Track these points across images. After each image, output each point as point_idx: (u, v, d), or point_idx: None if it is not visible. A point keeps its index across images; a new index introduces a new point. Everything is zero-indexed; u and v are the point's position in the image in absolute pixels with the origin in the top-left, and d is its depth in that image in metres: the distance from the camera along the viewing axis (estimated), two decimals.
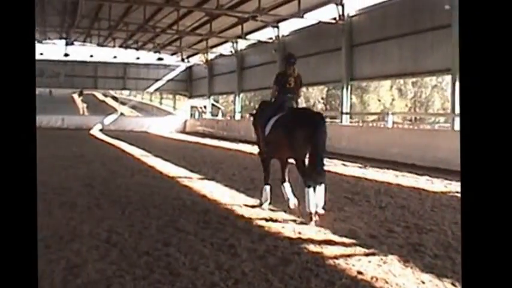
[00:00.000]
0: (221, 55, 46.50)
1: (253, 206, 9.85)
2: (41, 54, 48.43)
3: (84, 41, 49.70)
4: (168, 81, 54.03)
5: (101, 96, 79.99)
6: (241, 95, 44.15)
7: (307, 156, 8.52)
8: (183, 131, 47.41)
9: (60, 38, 48.24)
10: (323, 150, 8.54)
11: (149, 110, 62.25)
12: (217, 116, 49.45)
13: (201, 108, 51.76)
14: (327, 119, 18.33)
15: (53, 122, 46.36)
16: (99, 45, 48.81)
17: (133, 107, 70.28)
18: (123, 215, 8.91)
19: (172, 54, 51.84)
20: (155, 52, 49.30)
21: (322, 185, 8.47)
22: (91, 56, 50.39)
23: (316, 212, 8.34)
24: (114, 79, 53.34)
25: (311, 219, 8.29)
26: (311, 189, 8.32)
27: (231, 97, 50.59)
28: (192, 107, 52.88)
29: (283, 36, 35.02)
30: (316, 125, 8.48)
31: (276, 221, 8.58)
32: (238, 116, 42.81)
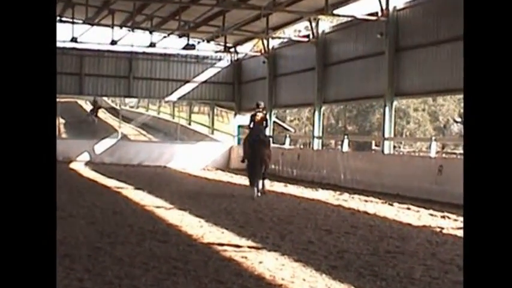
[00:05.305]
0: (291, 42, 46.81)
1: None
2: None
3: (61, 16, 49.91)
4: (203, 83, 54.34)
5: (89, 107, 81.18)
6: (322, 108, 44.00)
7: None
8: (226, 168, 48.31)
9: None
10: (262, 158, 25.77)
11: (170, 132, 62.70)
12: (283, 143, 49.35)
13: None
14: None
15: None
16: (86, 22, 48.70)
17: (144, 126, 70.85)
18: None
19: (209, 41, 52.27)
20: (181, 36, 49.85)
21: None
22: (73, 39, 50.23)
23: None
24: (112, 79, 53.76)
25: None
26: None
27: (307, 112, 50.83)
28: (240, 127, 52.95)
29: (395, 9, 34.60)
30: (259, 143, 25.92)
31: None
32: (317, 144, 42.70)
